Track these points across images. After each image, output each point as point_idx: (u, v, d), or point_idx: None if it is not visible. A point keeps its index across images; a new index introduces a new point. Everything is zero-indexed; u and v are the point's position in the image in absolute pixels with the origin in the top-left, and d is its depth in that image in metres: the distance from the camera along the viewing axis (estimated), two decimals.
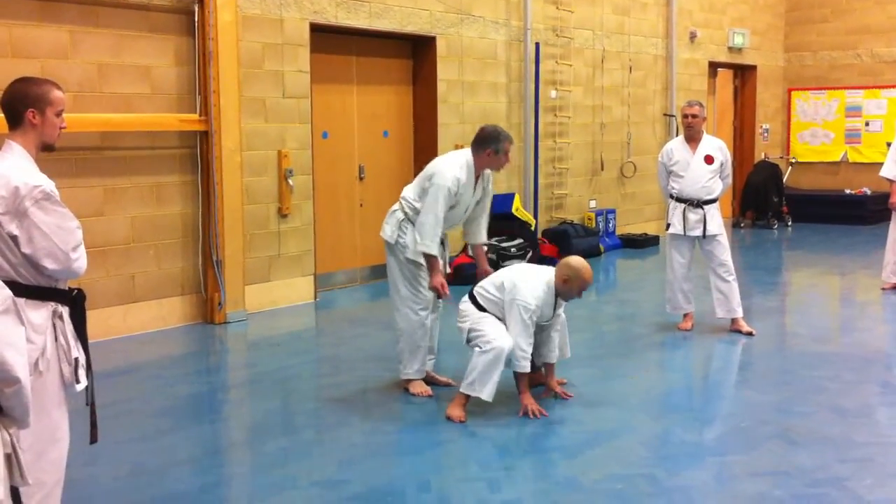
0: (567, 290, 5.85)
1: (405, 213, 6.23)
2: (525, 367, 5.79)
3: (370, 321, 8.83)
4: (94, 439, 3.84)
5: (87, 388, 3.73)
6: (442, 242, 6.28)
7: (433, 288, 6.16)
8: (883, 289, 9.92)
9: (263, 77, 9.03)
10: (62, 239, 3.51)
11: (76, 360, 3.63)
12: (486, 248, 6.62)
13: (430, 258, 6.11)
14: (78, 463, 4.47)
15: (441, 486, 4.83)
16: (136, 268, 8.15)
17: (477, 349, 5.77)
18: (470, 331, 5.87)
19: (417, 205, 6.14)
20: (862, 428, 5.63)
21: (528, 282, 5.84)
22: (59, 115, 3.68)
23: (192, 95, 8.46)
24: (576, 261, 5.87)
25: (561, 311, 6.12)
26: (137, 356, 7.52)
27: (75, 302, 3.68)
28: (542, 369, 6.30)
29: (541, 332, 6.04)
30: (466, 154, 6.20)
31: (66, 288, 3.67)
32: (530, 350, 5.80)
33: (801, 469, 4.94)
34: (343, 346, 7.89)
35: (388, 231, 6.28)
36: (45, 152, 3.71)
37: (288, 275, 9.38)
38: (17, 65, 7.08)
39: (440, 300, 6.41)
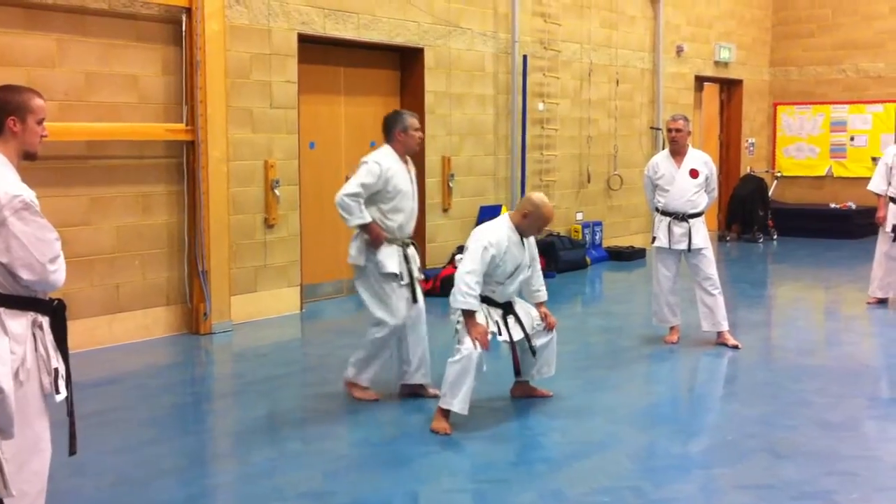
0: (527, 224, 5.91)
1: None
2: (469, 304, 5.68)
3: (356, 332, 8.75)
4: (72, 451, 3.79)
5: (67, 398, 3.70)
6: (406, 257, 6.31)
7: (374, 244, 6.21)
8: (868, 303, 9.96)
9: (251, 87, 9.02)
10: (39, 250, 3.47)
11: (56, 370, 3.60)
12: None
13: (361, 227, 6.20)
14: (62, 474, 4.44)
15: (427, 497, 4.82)
16: (121, 277, 8.11)
17: (450, 359, 5.78)
18: (457, 331, 5.86)
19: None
20: (848, 441, 5.64)
21: (485, 227, 5.93)
22: (40, 123, 3.65)
23: (179, 105, 8.45)
24: (537, 197, 5.98)
25: (535, 253, 6.14)
26: (122, 366, 7.47)
27: (55, 312, 3.65)
28: (529, 381, 6.37)
29: (538, 338, 6.12)
30: (382, 147, 6.40)
31: (47, 298, 3.63)
32: (477, 290, 5.70)
33: (787, 482, 4.94)
34: (329, 356, 7.86)
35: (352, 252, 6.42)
36: (27, 161, 3.68)
37: (274, 285, 9.35)
38: (4, 73, 7.04)
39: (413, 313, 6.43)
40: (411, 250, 6.41)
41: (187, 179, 8.51)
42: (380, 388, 6.56)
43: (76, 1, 7.69)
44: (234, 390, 7.06)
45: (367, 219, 6.16)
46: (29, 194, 3.49)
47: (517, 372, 6.31)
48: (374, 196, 6.20)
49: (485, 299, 5.89)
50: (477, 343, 5.67)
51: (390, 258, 6.23)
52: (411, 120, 6.40)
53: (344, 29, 9.90)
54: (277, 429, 5.95)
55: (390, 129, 6.38)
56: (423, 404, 6.29)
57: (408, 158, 6.46)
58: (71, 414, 3.74)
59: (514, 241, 5.89)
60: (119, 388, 6.86)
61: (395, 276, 6.23)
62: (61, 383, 3.62)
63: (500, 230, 5.86)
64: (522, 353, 6.23)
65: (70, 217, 7.63)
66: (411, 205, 6.38)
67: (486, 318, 5.86)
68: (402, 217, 6.30)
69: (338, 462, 5.31)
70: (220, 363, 8.04)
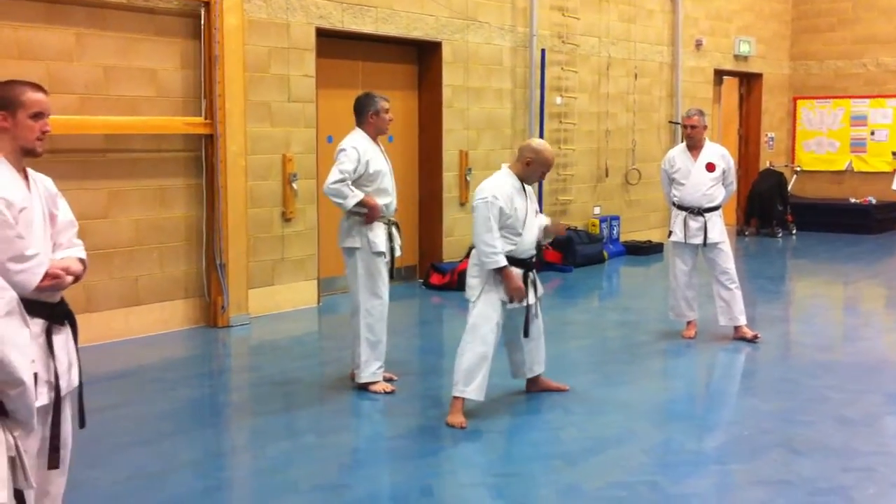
0: (530, 172, 5.91)
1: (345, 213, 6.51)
2: (496, 261, 5.69)
3: None
4: (52, 465, 3.58)
5: (53, 409, 3.53)
6: (390, 236, 6.50)
7: (370, 207, 6.34)
8: None
9: (269, 81, 9.04)
10: None
11: (35, 374, 3.30)
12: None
13: (360, 203, 6.31)
14: (79, 466, 4.46)
15: (443, 491, 4.83)
16: (139, 270, 8.16)
17: (459, 350, 5.81)
18: (471, 304, 5.87)
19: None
20: (865, 437, 5.62)
21: (484, 183, 5.90)
22: (35, 117, 3.50)
23: (198, 99, 8.47)
24: (537, 142, 6.03)
25: (537, 205, 6.10)
26: (140, 359, 7.51)
27: (52, 316, 3.50)
28: (521, 379, 6.39)
29: (528, 343, 6.12)
30: (354, 132, 6.50)
31: (40, 300, 3.46)
32: (499, 245, 5.69)
33: (804, 478, 4.93)
34: (345, 350, 7.84)
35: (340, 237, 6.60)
36: (30, 157, 3.55)
37: (291, 279, 9.38)
38: (23, 67, 7.08)
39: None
40: (394, 229, 6.59)
41: (205, 173, 8.54)
42: (394, 383, 6.59)
43: None
44: (251, 383, 7.09)
45: (360, 194, 6.30)
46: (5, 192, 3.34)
47: (526, 333, 6.05)
48: (357, 181, 6.33)
49: (508, 261, 5.79)
50: (515, 298, 5.76)
51: (380, 237, 6.44)
52: (383, 103, 6.53)
53: (362, 23, 9.90)
54: (293, 422, 5.97)
55: (363, 112, 6.52)
56: (438, 398, 6.30)
57: (377, 139, 6.57)
58: (54, 426, 3.56)
59: (517, 188, 5.88)
60: (136, 380, 6.90)
61: (383, 254, 6.45)
62: (42, 390, 3.43)
63: (500, 181, 5.86)
64: (516, 350, 6.22)
65: (89, 210, 7.67)
66: (392, 183, 6.55)
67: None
68: (387, 196, 6.47)
69: (353, 455, 5.33)
70: (237, 356, 8.08)
